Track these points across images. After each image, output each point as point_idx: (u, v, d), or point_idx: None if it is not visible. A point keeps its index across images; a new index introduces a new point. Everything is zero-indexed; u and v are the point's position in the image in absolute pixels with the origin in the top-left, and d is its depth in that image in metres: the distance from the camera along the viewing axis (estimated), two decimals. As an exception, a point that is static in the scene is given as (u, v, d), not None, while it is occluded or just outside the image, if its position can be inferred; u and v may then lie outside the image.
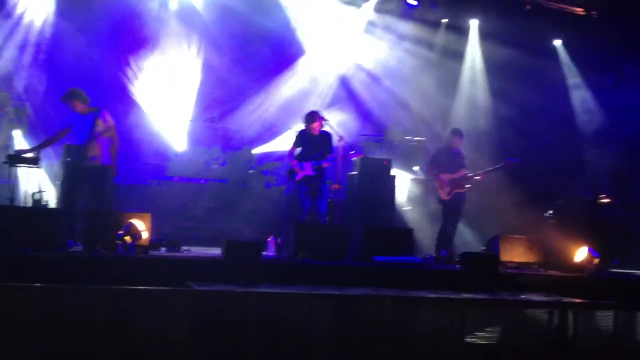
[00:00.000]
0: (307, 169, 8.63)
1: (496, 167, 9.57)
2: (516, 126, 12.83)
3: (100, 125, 7.91)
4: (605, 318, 6.38)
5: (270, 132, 12.90)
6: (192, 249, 8.33)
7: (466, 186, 9.41)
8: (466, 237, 10.46)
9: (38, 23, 11.48)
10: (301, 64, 13.35)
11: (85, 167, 7.85)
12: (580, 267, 8.38)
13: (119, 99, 11.45)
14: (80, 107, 7.95)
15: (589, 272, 8.30)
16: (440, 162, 9.51)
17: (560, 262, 8.54)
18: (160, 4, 12.16)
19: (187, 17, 12.38)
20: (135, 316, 5.19)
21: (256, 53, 12.70)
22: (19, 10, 11.36)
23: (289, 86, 13.24)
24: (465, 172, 9.43)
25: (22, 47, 11.37)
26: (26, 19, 11.44)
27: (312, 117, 8.73)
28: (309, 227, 8.11)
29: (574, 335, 6.26)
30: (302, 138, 8.81)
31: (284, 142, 12.05)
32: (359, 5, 13.12)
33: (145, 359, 5.18)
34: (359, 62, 13.49)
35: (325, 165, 8.67)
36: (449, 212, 9.38)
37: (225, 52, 12.57)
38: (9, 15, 11.28)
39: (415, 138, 12.70)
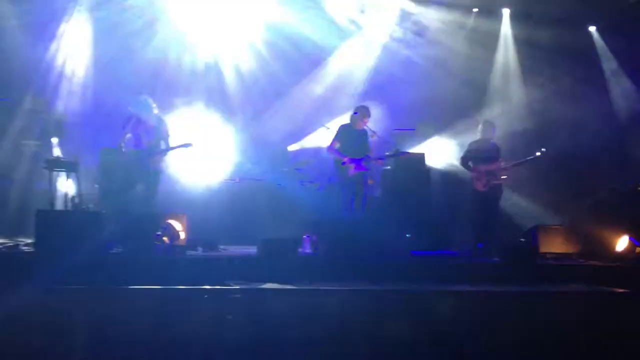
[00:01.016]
0: (360, 166, 8.55)
1: (529, 157, 9.47)
2: (551, 116, 12.64)
3: (163, 132, 8.47)
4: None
5: (302, 129, 12.90)
6: (228, 247, 8.40)
7: (502, 177, 9.33)
8: (504, 229, 10.34)
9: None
10: (331, 59, 13.34)
11: (149, 171, 8.32)
12: (621, 256, 8.23)
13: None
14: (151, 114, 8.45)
15: (630, 261, 8.14)
16: (475, 154, 9.44)
17: (600, 252, 8.40)
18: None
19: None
20: (176, 315, 5.25)
21: (286, 50, 12.71)
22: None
23: (320, 82, 13.24)
24: (501, 163, 9.35)
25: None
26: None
27: (364, 111, 8.62)
28: (343, 223, 8.11)
29: (616, 325, 6.14)
30: (345, 133, 8.66)
31: (318, 139, 12.02)
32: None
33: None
34: (389, 55, 13.43)
35: (379, 162, 8.68)
36: (486, 204, 9.29)
37: (256, 51, 12.62)
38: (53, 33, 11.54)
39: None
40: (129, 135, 8.35)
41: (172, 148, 8.56)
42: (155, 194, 8.45)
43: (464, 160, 9.58)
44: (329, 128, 8.97)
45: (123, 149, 8.34)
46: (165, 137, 8.58)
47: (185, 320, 5.25)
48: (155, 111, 8.67)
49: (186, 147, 8.57)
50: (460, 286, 6.52)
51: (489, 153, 9.40)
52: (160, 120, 8.67)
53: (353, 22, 13.15)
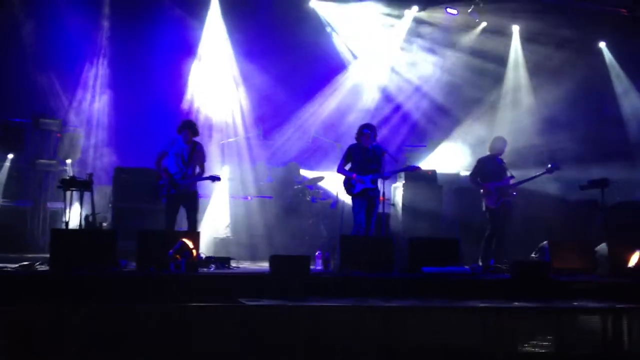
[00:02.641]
0: (367, 182, 8.54)
1: (539, 174, 9.52)
2: (562, 131, 12.66)
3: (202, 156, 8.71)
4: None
5: (314, 147, 12.98)
6: (240, 265, 8.45)
7: (513, 193, 9.36)
8: (515, 245, 10.33)
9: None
10: (342, 78, 13.46)
11: (188, 193, 8.52)
12: (634, 271, 8.19)
13: (164, 122, 11.74)
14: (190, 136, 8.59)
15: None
16: (485, 171, 9.46)
17: (613, 267, 8.35)
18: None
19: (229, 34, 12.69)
20: (189, 333, 5.29)
21: (298, 69, 12.84)
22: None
23: (332, 101, 13.36)
24: (511, 180, 9.38)
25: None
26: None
27: (370, 129, 8.64)
28: (355, 240, 8.13)
29: (629, 341, 6.12)
30: (354, 152, 8.70)
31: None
32: (399, 17, 13.17)
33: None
34: (399, 72, 13.53)
35: (385, 178, 8.62)
36: (497, 220, 9.30)
37: (268, 69, 12.76)
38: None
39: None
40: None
41: (204, 178, 8.71)
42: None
43: (473, 176, 9.60)
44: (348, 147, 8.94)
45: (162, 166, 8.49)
46: (203, 162, 8.73)
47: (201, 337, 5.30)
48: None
49: (213, 180, 8.74)
50: (472, 302, 6.51)
51: (498, 169, 9.42)
52: (200, 145, 8.84)
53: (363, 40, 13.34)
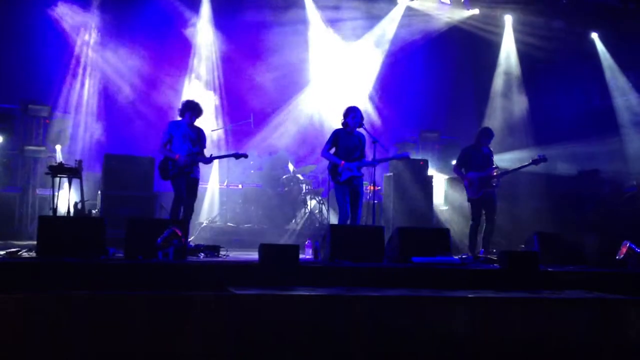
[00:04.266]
0: (354, 170, 8.36)
1: (525, 164, 9.54)
2: (553, 121, 12.69)
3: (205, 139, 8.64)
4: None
5: (303, 136, 12.96)
6: (230, 253, 8.42)
7: (494, 184, 9.36)
8: (503, 236, 10.38)
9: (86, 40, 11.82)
10: (334, 61, 13.41)
11: (194, 179, 8.46)
12: (621, 262, 8.22)
13: (157, 109, 11.68)
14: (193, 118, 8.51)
15: (631, 267, 8.13)
16: (469, 161, 9.46)
17: (602, 258, 8.38)
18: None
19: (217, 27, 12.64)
20: (178, 323, 5.27)
21: (287, 60, 12.81)
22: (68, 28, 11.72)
23: (323, 87, 13.32)
24: (494, 170, 9.38)
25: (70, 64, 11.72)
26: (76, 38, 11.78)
27: (355, 113, 8.37)
28: (345, 229, 8.10)
29: (617, 332, 6.14)
30: (340, 137, 8.47)
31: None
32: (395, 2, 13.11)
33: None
34: (393, 61, 13.48)
35: (373, 166, 8.44)
36: (479, 210, 9.33)
37: (259, 61, 12.72)
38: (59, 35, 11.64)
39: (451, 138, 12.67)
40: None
41: (229, 155, 8.70)
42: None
43: (457, 166, 9.61)
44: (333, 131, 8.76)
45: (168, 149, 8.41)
46: (203, 147, 8.65)
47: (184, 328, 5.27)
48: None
49: (238, 157, 8.66)
50: (462, 292, 6.51)
51: (482, 160, 9.42)
52: (202, 130, 8.76)
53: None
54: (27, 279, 5.98)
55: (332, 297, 5.95)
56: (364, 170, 8.55)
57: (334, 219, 9.48)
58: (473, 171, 9.35)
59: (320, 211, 11.55)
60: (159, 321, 5.22)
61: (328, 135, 8.66)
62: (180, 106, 8.66)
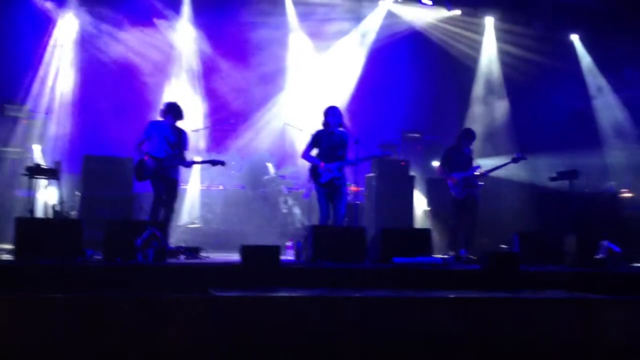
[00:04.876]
0: (335, 171, 8.27)
1: (505, 163, 9.64)
2: (533, 122, 12.76)
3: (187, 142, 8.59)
4: (628, 314, 6.28)
5: (284, 137, 12.90)
6: (211, 255, 8.36)
7: (479, 184, 9.43)
8: (484, 236, 10.42)
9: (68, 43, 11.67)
10: (315, 63, 13.37)
11: (173, 180, 8.38)
12: (601, 262, 8.28)
13: (136, 109, 11.56)
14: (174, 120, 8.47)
15: (610, 266, 8.20)
16: (451, 161, 9.50)
17: (581, 258, 8.43)
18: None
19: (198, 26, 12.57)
20: (157, 325, 5.20)
21: (267, 62, 12.77)
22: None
23: (303, 88, 13.28)
24: (476, 170, 9.43)
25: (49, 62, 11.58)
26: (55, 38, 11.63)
27: (335, 112, 8.31)
28: (327, 230, 8.07)
29: (598, 332, 6.17)
30: (321, 137, 8.38)
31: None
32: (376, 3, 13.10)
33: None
34: (375, 62, 13.47)
35: (353, 165, 8.39)
36: (463, 211, 9.37)
37: (241, 62, 12.66)
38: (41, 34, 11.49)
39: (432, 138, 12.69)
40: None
41: (205, 162, 8.73)
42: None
43: (441, 167, 9.65)
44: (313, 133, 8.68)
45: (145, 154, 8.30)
46: (184, 150, 8.56)
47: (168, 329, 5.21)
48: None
49: (215, 164, 8.67)
50: (443, 293, 6.51)
51: (464, 160, 9.47)
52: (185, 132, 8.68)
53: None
54: (3, 282, 5.88)
55: (314, 298, 5.92)
56: (347, 170, 8.51)
57: (315, 220, 9.43)
58: (456, 171, 9.39)
59: (302, 212, 11.52)
60: (139, 324, 5.15)
61: (309, 137, 8.62)
62: (162, 107, 8.59)
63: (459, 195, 9.34)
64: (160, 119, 8.51)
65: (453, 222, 9.44)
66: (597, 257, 8.33)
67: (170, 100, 8.88)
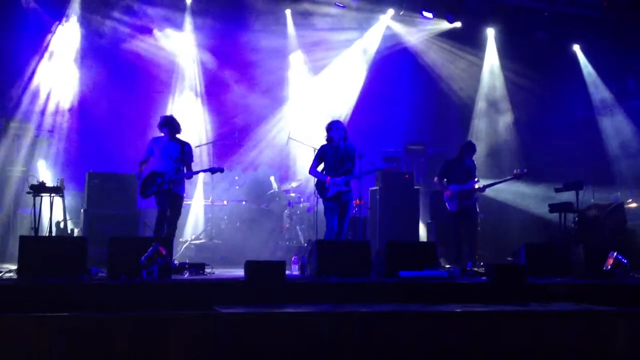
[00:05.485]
0: (341, 185, 8.31)
1: (507, 179, 9.62)
2: (537, 134, 12.74)
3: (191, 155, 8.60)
4: (637, 326, 6.22)
5: (287, 151, 12.90)
6: (215, 271, 8.32)
7: (475, 197, 9.36)
8: (492, 248, 10.37)
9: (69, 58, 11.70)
10: (318, 76, 13.39)
11: (176, 195, 8.36)
12: (609, 274, 8.21)
13: (138, 126, 11.56)
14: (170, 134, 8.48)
15: (618, 278, 8.13)
16: (450, 173, 9.48)
17: (588, 270, 8.37)
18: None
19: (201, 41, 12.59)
20: (161, 344, 5.16)
21: (270, 77, 12.80)
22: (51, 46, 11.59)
23: (306, 102, 13.29)
24: (475, 184, 9.39)
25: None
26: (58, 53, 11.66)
27: (339, 127, 8.37)
28: (331, 244, 8.03)
29: (605, 344, 6.11)
30: (326, 152, 8.44)
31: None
32: (378, 12, 13.06)
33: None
34: (377, 75, 13.48)
35: (359, 178, 8.40)
36: (461, 223, 9.34)
37: (244, 76, 12.69)
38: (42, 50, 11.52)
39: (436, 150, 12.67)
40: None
41: (205, 170, 8.72)
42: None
43: (439, 178, 9.62)
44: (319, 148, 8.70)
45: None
46: (190, 163, 8.57)
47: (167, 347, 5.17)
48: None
49: (214, 172, 8.72)
50: (450, 307, 6.46)
51: (464, 172, 9.44)
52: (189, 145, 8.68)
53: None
54: (7, 300, 5.85)
55: (320, 314, 5.87)
56: (352, 184, 8.52)
57: (320, 235, 9.40)
58: (454, 183, 9.36)
59: (306, 226, 11.48)
60: (144, 343, 5.12)
61: (314, 152, 8.64)
62: (158, 121, 8.61)
63: (453, 207, 9.33)
64: (161, 134, 8.53)
65: (453, 234, 9.41)
66: (605, 268, 8.27)
67: (165, 114, 8.92)
